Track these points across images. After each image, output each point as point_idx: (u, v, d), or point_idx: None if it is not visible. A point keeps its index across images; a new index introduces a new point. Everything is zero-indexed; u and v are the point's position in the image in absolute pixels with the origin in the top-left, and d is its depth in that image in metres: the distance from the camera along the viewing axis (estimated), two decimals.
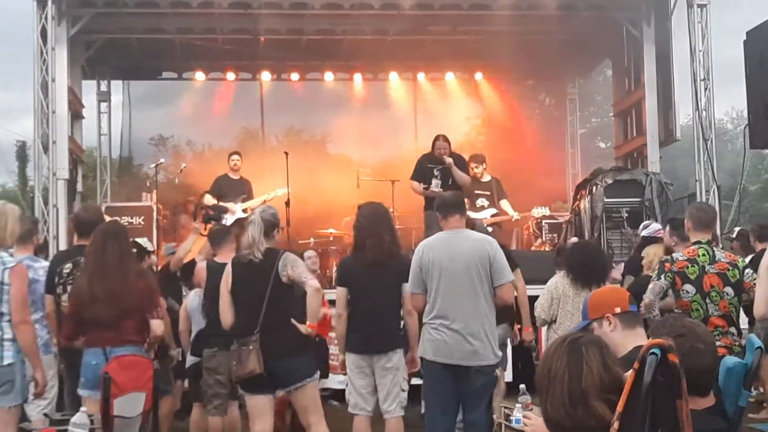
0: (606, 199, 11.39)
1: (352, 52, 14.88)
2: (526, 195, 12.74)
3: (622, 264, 9.17)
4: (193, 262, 7.54)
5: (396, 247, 6.19)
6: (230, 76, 15.81)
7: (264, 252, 5.60)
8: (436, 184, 10.10)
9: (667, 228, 7.60)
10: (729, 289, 5.66)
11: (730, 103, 38.09)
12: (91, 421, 4.68)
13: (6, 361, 4.83)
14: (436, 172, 10.15)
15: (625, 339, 3.52)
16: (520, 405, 5.02)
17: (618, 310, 3.61)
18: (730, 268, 5.72)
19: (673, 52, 12.42)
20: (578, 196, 12.30)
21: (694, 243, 5.85)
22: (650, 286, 5.80)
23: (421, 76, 16.34)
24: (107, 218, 7.65)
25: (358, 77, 16.15)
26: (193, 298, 7.05)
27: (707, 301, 5.64)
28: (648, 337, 3.28)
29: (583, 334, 2.92)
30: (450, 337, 5.62)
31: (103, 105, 16.47)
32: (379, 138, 15.86)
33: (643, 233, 8.37)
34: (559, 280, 6.45)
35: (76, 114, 13.55)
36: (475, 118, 19.42)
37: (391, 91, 16.60)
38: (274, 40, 14.31)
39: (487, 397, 5.75)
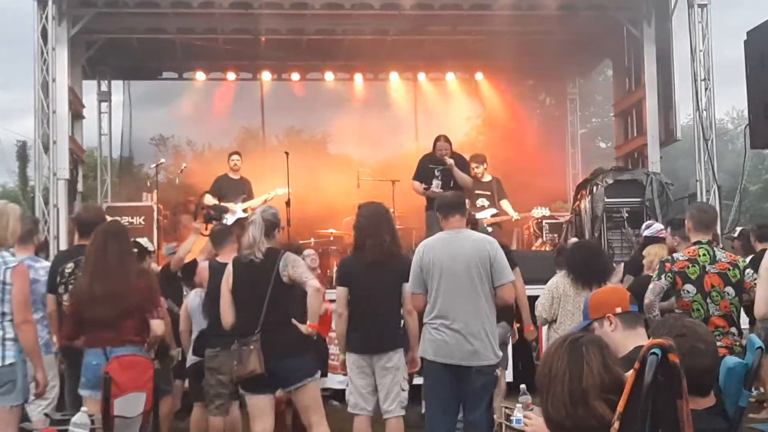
0: (606, 199, 11.38)
1: (352, 52, 14.88)
2: (527, 195, 12.74)
3: (622, 264, 9.17)
4: (194, 262, 7.54)
5: (396, 247, 6.19)
6: (231, 76, 15.82)
7: (265, 252, 5.61)
8: (436, 185, 10.10)
9: (668, 229, 7.60)
10: (730, 289, 5.66)
11: (731, 103, 38.15)
12: (92, 421, 4.68)
13: (8, 361, 4.83)
14: (437, 173, 10.15)
15: (626, 339, 3.52)
16: (520, 405, 5.02)
17: (619, 310, 3.61)
18: (731, 267, 5.72)
19: (674, 52, 12.43)
20: (579, 196, 12.30)
21: (695, 243, 5.85)
22: (650, 286, 5.80)
23: (421, 76, 16.34)
24: (108, 218, 7.64)
25: (358, 77, 16.15)
26: (193, 298, 7.05)
27: (708, 301, 5.64)
28: (648, 337, 3.28)
29: (583, 334, 2.92)
30: (450, 337, 5.62)
31: (104, 105, 16.48)
32: (380, 138, 15.86)
33: (646, 233, 8.37)
34: (559, 279, 6.45)
35: (76, 114, 13.55)
36: (476, 118, 19.42)
37: (392, 91, 16.59)
38: (274, 40, 14.31)
39: (487, 397, 5.75)
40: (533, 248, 12.57)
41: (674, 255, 6.07)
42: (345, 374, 6.42)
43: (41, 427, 5.47)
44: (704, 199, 11.37)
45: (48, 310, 6.05)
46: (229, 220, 10.76)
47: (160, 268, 8.61)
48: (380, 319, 6.05)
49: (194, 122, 16.92)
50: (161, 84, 16.94)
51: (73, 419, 4.63)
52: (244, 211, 11.61)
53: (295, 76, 15.88)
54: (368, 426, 6.14)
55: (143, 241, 7.52)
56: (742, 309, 5.87)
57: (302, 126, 18.72)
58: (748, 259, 6.86)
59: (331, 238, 12.11)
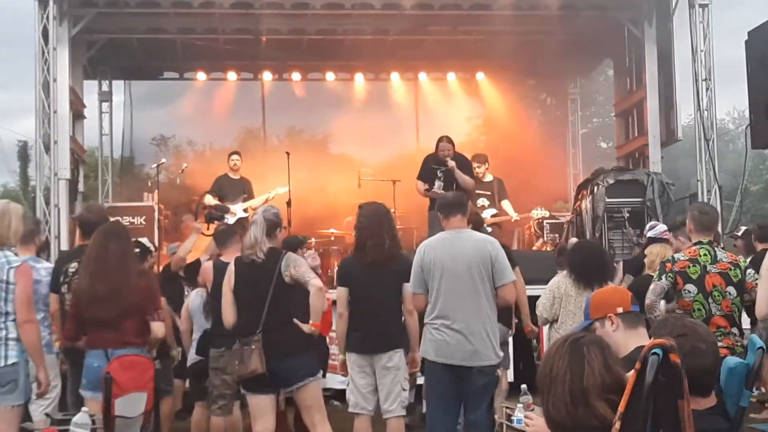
0: (607, 199, 11.38)
1: (353, 52, 14.89)
2: (527, 195, 12.74)
3: (621, 262, 9.17)
4: (197, 262, 7.53)
5: (396, 248, 6.19)
6: (231, 76, 15.82)
7: (266, 252, 5.60)
8: (438, 186, 10.08)
9: (671, 234, 7.63)
10: (731, 289, 5.66)
11: (732, 103, 38.14)
12: (93, 421, 4.68)
13: (10, 361, 4.83)
14: (439, 174, 10.12)
15: (627, 339, 3.52)
16: (521, 405, 5.02)
17: (620, 310, 3.61)
18: (732, 267, 5.72)
19: (675, 52, 12.43)
20: (579, 196, 12.29)
21: (696, 243, 5.85)
22: (651, 286, 5.80)
23: (422, 76, 16.34)
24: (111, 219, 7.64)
25: (359, 77, 16.15)
26: (194, 298, 7.05)
27: (709, 300, 5.63)
28: (650, 338, 3.28)
29: (584, 334, 2.92)
30: (451, 338, 5.62)
31: (105, 105, 16.50)
32: (381, 138, 15.85)
33: (650, 234, 8.37)
34: (561, 279, 6.45)
35: (77, 114, 13.56)
36: (477, 118, 19.40)
37: (393, 91, 16.59)
38: (275, 40, 14.32)
39: (488, 397, 5.75)
40: (534, 248, 12.57)
41: (675, 255, 6.07)
42: (344, 375, 6.42)
43: (42, 426, 5.48)
44: (705, 199, 11.37)
45: (51, 310, 6.05)
46: (229, 220, 10.76)
47: (161, 268, 8.62)
48: (380, 319, 6.05)
49: (195, 122, 16.93)
50: (162, 84, 16.95)
51: (74, 419, 4.63)
52: (245, 210, 11.62)
53: (296, 76, 15.89)
54: (369, 426, 6.14)
55: (144, 240, 7.52)
56: (743, 309, 5.87)
57: (303, 126, 18.71)
58: (748, 260, 6.86)
59: (332, 238, 12.10)
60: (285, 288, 5.55)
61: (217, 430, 6.63)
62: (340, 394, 8.33)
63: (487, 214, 10.75)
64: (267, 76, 15.89)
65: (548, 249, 11.97)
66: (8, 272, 4.85)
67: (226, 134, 17.24)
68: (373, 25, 13.98)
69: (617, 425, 2.55)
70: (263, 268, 5.57)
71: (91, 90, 15.71)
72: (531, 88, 19.44)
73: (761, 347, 3.50)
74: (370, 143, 15.70)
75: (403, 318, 6.12)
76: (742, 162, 12.31)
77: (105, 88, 16.42)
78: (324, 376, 7.71)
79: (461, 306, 5.66)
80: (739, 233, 10.01)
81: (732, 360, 3.44)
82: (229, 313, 5.68)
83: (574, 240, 10.36)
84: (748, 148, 11.05)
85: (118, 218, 10.46)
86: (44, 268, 6.24)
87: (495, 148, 14.25)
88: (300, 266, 5.63)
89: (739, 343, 5.55)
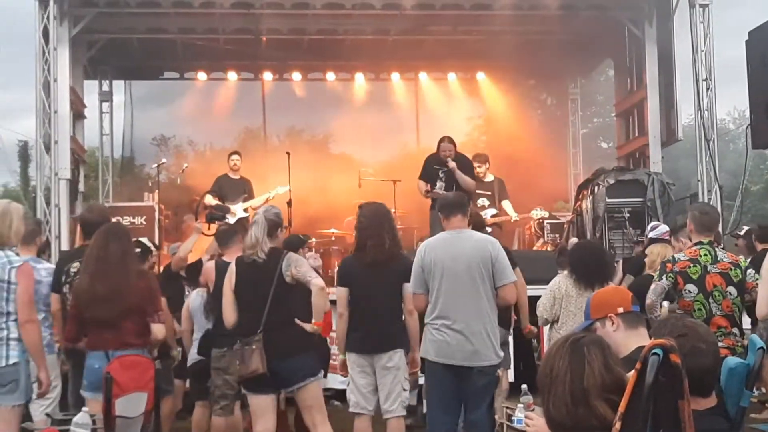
0: (608, 199, 11.38)
1: (353, 52, 14.89)
2: (528, 195, 12.74)
3: (620, 261, 9.17)
4: (199, 262, 7.53)
5: (397, 248, 6.18)
6: (232, 76, 15.83)
7: (267, 252, 5.60)
8: (440, 187, 10.06)
9: (672, 238, 7.64)
10: (732, 289, 5.66)
11: (732, 103, 38.15)
12: (93, 421, 4.68)
13: (11, 361, 4.83)
14: (441, 174, 10.10)
15: (628, 339, 3.52)
16: (522, 405, 5.02)
17: (621, 310, 3.61)
18: (733, 267, 5.71)
19: (675, 52, 12.44)
20: (580, 196, 12.29)
21: (696, 243, 5.85)
22: (652, 286, 5.80)
23: (422, 76, 16.35)
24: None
25: (359, 77, 16.16)
26: (195, 298, 7.05)
27: (710, 300, 5.63)
28: (650, 338, 3.28)
29: (585, 334, 2.92)
30: (452, 338, 5.62)
31: (105, 105, 16.52)
32: (381, 138, 15.87)
33: (651, 234, 8.37)
34: (562, 279, 6.45)
35: (78, 114, 13.57)
36: (477, 118, 19.43)
37: (393, 91, 16.60)
38: (275, 40, 14.32)
39: (488, 397, 5.75)
40: (534, 248, 12.57)
41: (675, 255, 6.07)
42: (344, 375, 6.42)
43: (43, 426, 5.49)
44: (706, 199, 11.37)
45: (52, 310, 6.05)
46: (230, 220, 10.76)
47: (162, 268, 8.62)
48: (380, 319, 6.05)
49: (195, 122, 16.94)
50: (162, 84, 16.96)
51: (75, 419, 4.63)
52: (245, 210, 11.62)
53: (297, 76, 15.90)
54: (369, 426, 6.13)
55: (145, 240, 7.52)
56: (744, 310, 5.86)
57: (303, 126, 18.72)
58: (748, 260, 6.86)
59: (333, 238, 12.11)
60: (286, 288, 5.55)
61: (218, 430, 6.63)
62: (340, 394, 8.33)
63: (487, 214, 10.74)
64: (267, 76, 15.90)
65: (549, 249, 11.97)
66: (10, 272, 4.85)
67: (227, 134, 17.26)
68: (374, 25, 13.99)
69: (618, 425, 2.55)
70: (264, 268, 5.56)
71: (91, 90, 15.74)
72: (531, 88, 19.46)
73: (761, 347, 3.50)
74: (370, 143, 15.71)
75: (403, 318, 6.12)
76: (743, 162, 12.30)
77: (105, 88, 16.43)
78: (325, 376, 7.71)
79: (462, 306, 5.66)
80: (741, 233, 10.01)
81: (732, 360, 3.44)
82: (229, 313, 5.68)
83: (574, 240, 10.37)
84: (748, 148, 11.04)
85: (119, 218, 10.47)
86: (45, 269, 6.24)
87: (495, 148, 14.25)
88: (301, 266, 5.63)
89: (739, 344, 5.55)
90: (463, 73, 16.55)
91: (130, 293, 5.21)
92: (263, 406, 5.63)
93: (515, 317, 7.55)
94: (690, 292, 5.66)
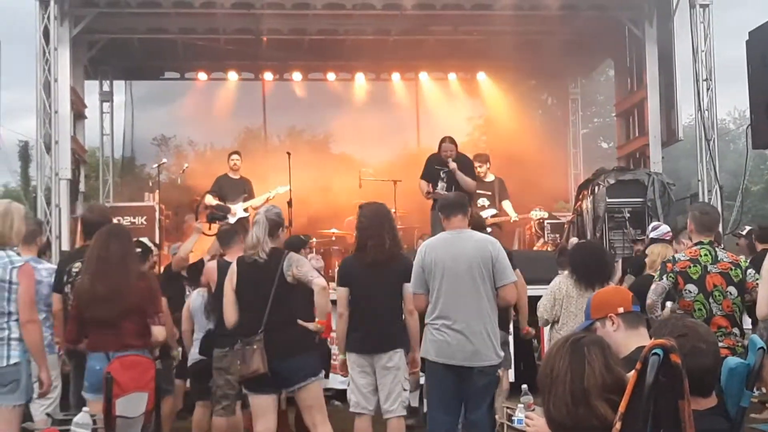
0: (608, 200, 11.39)
1: (354, 52, 14.90)
2: (528, 195, 12.74)
3: (619, 261, 9.17)
4: (200, 262, 7.53)
5: (397, 248, 6.18)
6: (232, 76, 15.85)
7: (269, 252, 5.60)
8: (442, 187, 10.03)
9: (674, 242, 7.65)
10: (732, 289, 5.66)
11: (732, 103, 38.15)
12: (94, 421, 4.68)
13: (12, 360, 4.83)
14: (442, 175, 10.07)
15: (628, 339, 3.52)
16: (522, 405, 5.02)
17: (621, 310, 3.61)
18: (733, 267, 5.71)
19: (676, 52, 12.44)
20: (580, 196, 12.30)
21: (696, 243, 5.85)
22: (653, 286, 5.80)
23: (423, 76, 16.35)
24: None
25: (360, 77, 16.17)
26: (195, 298, 7.05)
27: (710, 300, 5.63)
28: (651, 338, 3.28)
29: (585, 334, 2.92)
30: (452, 338, 5.62)
31: (106, 105, 16.54)
32: (382, 138, 15.87)
33: (652, 234, 8.37)
34: (562, 280, 6.44)
35: (78, 114, 13.57)
36: (478, 118, 19.44)
37: (393, 92, 16.62)
38: (276, 40, 14.33)
39: (489, 397, 5.75)
40: (535, 248, 12.57)
41: (676, 255, 6.07)
42: (344, 375, 6.42)
43: (43, 426, 5.48)
44: (706, 200, 11.37)
45: (54, 310, 6.04)
46: (230, 220, 10.76)
47: (163, 268, 8.62)
48: (380, 319, 6.05)
49: (196, 122, 16.95)
50: (163, 84, 16.97)
51: (75, 419, 4.63)
52: (245, 210, 11.61)
53: (297, 76, 15.91)
54: (370, 425, 6.13)
55: (145, 240, 7.52)
56: (744, 309, 5.86)
57: (304, 126, 18.73)
58: (748, 260, 6.86)
59: (333, 238, 12.11)
60: (287, 288, 5.55)
61: (219, 430, 6.63)
62: (341, 394, 8.33)
63: (486, 214, 10.73)
64: (268, 76, 15.91)
65: (549, 249, 11.97)
66: (11, 272, 4.86)
67: (227, 134, 17.27)
68: (374, 25, 13.99)
69: (618, 425, 2.55)
70: (265, 268, 5.56)
71: (92, 90, 15.75)
72: (532, 88, 19.46)
73: (762, 347, 3.50)
74: (370, 143, 15.72)
75: (403, 318, 6.12)
76: (743, 162, 12.31)
77: (106, 88, 16.45)
78: (327, 376, 7.72)
79: (462, 306, 5.66)
80: (744, 232, 10.01)
81: (733, 360, 3.43)
82: (230, 313, 5.68)
83: (574, 240, 10.37)
84: (748, 148, 11.05)
85: (119, 218, 10.47)
86: (45, 269, 6.24)
87: (496, 148, 14.26)
88: (302, 266, 5.63)
89: (740, 343, 5.55)
90: (464, 73, 16.55)
91: (131, 293, 5.21)
92: (264, 406, 5.63)
93: (515, 317, 7.55)
94: (690, 292, 5.66)
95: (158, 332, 5.37)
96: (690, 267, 5.69)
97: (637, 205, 11.38)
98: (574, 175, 16.49)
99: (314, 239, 11.76)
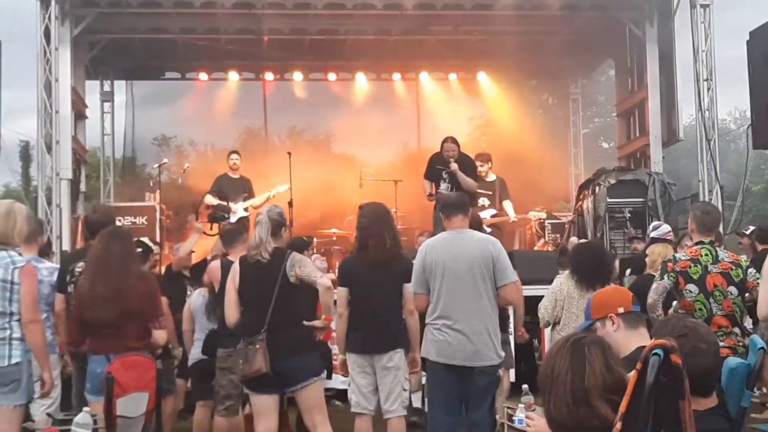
0: (609, 200, 11.39)
1: (354, 52, 14.90)
2: (529, 195, 12.74)
3: (617, 260, 9.17)
4: (204, 262, 7.53)
5: (397, 248, 6.19)
6: (233, 76, 15.85)
7: (271, 252, 5.60)
8: (445, 188, 10.02)
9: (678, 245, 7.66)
10: (733, 289, 5.66)
11: (733, 103, 38.12)
12: (95, 421, 4.69)
13: (14, 360, 4.83)
14: (444, 175, 10.06)
15: (628, 339, 3.52)
16: (522, 405, 5.02)
17: (621, 310, 3.61)
18: (734, 267, 5.71)
19: (676, 52, 12.44)
20: (581, 196, 12.30)
21: (697, 243, 5.85)
22: (653, 286, 5.80)
23: (423, 76, 16.34)
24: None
25: (360, 77, 16.17)
26: (196, 298, 7.05)
27: (711, 300, 5.63)
28: (651, 338, 3.28)
29: (585, 334, 2.93)
30: (453, 338, 5.62)
31: (107, 105, 16.54)
32: (382, 138, 15.86)
33: (653, 234, 8.37)
34: (563, 281, 6.44)
35: (79, 114, 13.58)
36: (478, 118, 19.44)
37: (394, 92, 16.61)
38: (277, 40, 14.33)
39: (489, 397, 5.76)
40: (535, 248, 12.57)
41: (676, 255, 6.07)
42: (345, 375, 6.42)
43: (44, 426, 5.48)
44: (706, 200, 11.37)
45: (56, 310, 6.04)
46: (231, 219, 10.76)
47: (164, 268, 8.62)
48: (381, 320, 6.05)
49: (197, 122, 16.96)
50: (164, 84, 16.97)
51: (76, 419, 4.63)
52: (245, 210, 11.61)
53: (298, 76, 15.91)
54: (370, 425, 6.14)
55: (146, 240, 7.53)
56: (745, 309, 5.86)
57: (305, 126, 18.73)
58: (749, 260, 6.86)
59: (334, 238, 12.11)
60: (290, 288, 5.54)
61: (220, 430, 6.62)
62: (342, 394, 8.33)
63: (486, 215, 10.73)
64: (269, 76, 15.91)
65: (550, 249, 11.97)
66: (13, 272, 4.86)
67: (228, 134, 17.26)
68: (375, 25, 13.99)
69: (618, 425, 2.56)
70: (268, 268, 5.56)
71: (92, 90, 15.75)
72: (532, 88, 19.46)
73: (762, 348, 3.50)
74: (371, 143, 15.72)
75: (403, 318, 6.12)
76: (744, 162, 12.33)
77: (107, 88, 16.45)
78: (329, 377, 7.72)
79: (463, 306, 5.67)
80: (747, 232, 10.01)
81: (733, 360, 3.44)
82: (231, 312, 5.68)
83: (575, 240, 10.36)
84: (749, 148, 11.06)
85: (120, 218, 10.47)
86: (46, 268, 6.23)
87: (496, 148, 14.21)
88: (305, 266, 5.63)
89: (741, 343, 5.54)
90: (464, 73, 16.55)
91: (131, 294, 5.21)
92: (265, 406, 5.63)
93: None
94: (691, 291, 5.66)
95: (159, 336, 5.38)
96: (691, 267, 5.69)
97: (637, 205, 11.38)
98: (574, 175, 16.48)
99: (315, 239, 11.77)
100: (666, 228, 8.48)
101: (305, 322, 5.55)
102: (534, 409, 4.45)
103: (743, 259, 6.00)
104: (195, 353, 6.96)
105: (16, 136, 26.23)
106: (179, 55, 15.10)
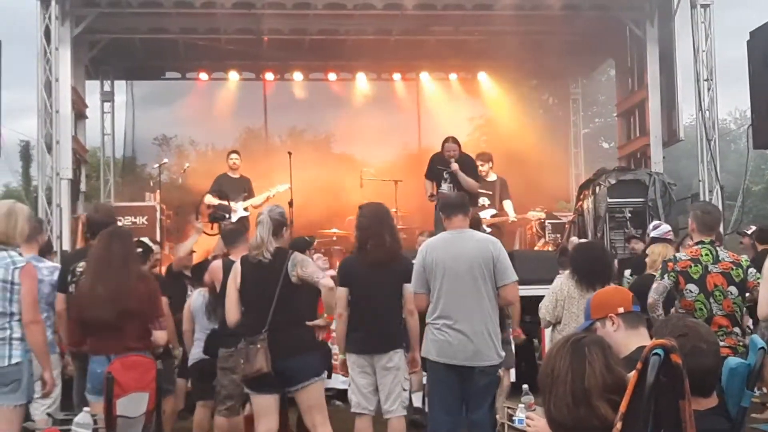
0: (609, 200, 11.38)
1: (355, 52, 14.90)
2: (529, 195, 12.74)
3: (616, 260, 9.17)
4: (205, 262, 7.52)
5: (397, 248, 6.19)
6: (233, 76, 15.85)
7: (273, 252, 5.60)
8: (446, 188, 10.01)
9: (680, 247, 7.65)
10: (733, 289, 5.65)
11: (734, 103, 38.16)
12: (95, 421, 4.69)
13: (14, 360, 4.83)
14: (445, 176, 10.04)
15: (628, 339, 3.52)
16: (523, 405, 5.02)
17: (621, 310, 3.61)
18: (734, 267, 5.71)
19: (677, 52, 12.44)
20: (581, 197, 12.29)
21: (697, 243, 5.85)
22: (654, 285, 5.80)
23: (424, 76, 16.35)
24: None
25: (361, 77, 16.17)
26: (196, 298, 7.04)
27: (711, 300, 5.63)
28: (651, 338, 3.28)
29: (585, 334, 2.92)
30: (453, 338, 5.62)
31: (107, 105, 16.54)
32: (383, 138, 15.87)
33: (653, 234, 8.37)
34: (564, 281, 6.44)
35: (79, 114, 13.58)
36: (479, 118, 19.45)
37: (395, 92, 16.62)
38: (277, 40, 14.33)
39: (490, 397, 5.76)
40: (536, 248, 12.57)
41: (677, 254, 6.07)
42: (345, 375, 6.42)
43: (44, 426, 5.48)
44: (707, 200, 11.36)
45: (57, 309, 6.04)
46: (232, 218, 10.76)
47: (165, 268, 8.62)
48: (380, 320, 6.05)
49: (197, 122, 16.97)
50: (164, 84, 16.98)
51: (76, 419, 4.63)
52: (245, 209, 11.60)
53: (298, 76, 15.91)
54: (370, 425, 6.14)
55: (146, 240, 7.52)
56: (746, 309, 5.86)
57: (305, 126, 18.74)
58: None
59: (334, 238, 12.11)
60: (292, 288, 5.54)
61: (221, 429, 6.62)
62: (342, 394, 8.33)
63: (486, 215, 10.72)
64: (269, 76, 15.92)
65: (550, 249, 11.97)
66: (13, 273, 4.86)
67: (228, 134, 17.28)
68: (375, 26, 13.99)
69: (619, 426, 2.55)
70: (270, 268, 5.55)
71: (93, 90, 15.75)
72: (533, 88, 19.48)
73: (762, 347, 3.50)
74: (372, 143, 15.72)
75: (403, 318, 6.12)
76: (744, 162, 12.33)
77: (107, 88, 16.46)
78: (329, 377, 7.72)
79: (463, 306, 5.67)
80: (749, 231, 10.01)
81: (733, 360, 3.44)
82: (232, 312, 5.68)
83: (575, 240, 10.36)
84: (749, 148, 11.06)
85: (120, 218, 10.46)
86: (46, 268, 6.23)
87: (497, 148, 14.20)
88: (307, 266, 5.63)
89: (741, 343, 5.54)
90: (465, 73, 16.55)
91: (131, 295, 5.21)
92: (266, 406, 5.62)
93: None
94: (691, 291, 5.66)
95: (160, 337, 5.38)
96: (691, 266, 5.69)
97: (638, 205, 11.37)
98: (575, 175, 16.49)
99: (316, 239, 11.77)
100: (666, 227, 8.48)
101: (308, 323, 5.55)
102: (534, 409, 4.45)
103: (744, 258, 6.00)
104: (195, 353, 6.96)
105: (16, 136, 26.24)
106: (179, 55, 15.10)
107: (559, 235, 12.44)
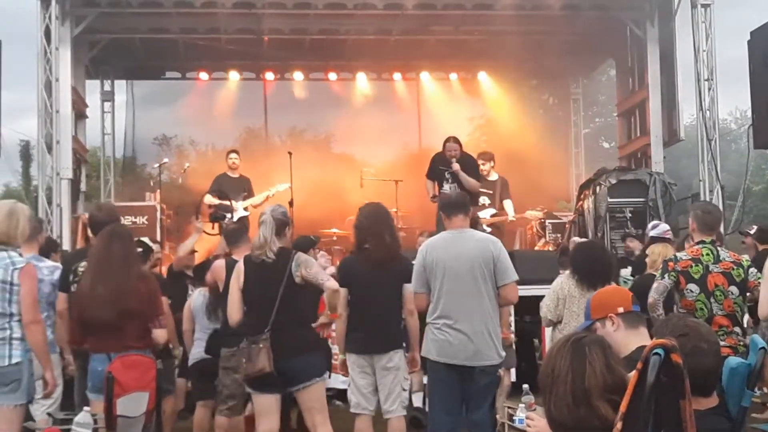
0: (610, 199, 11.39)
1: (355, 52, 14.90)
2: (530, 195, 12.74)
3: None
4: (207, 262, 7.52)
5: (397, 248, 6.18)
6: (234, 75, 15.85)
7: (276, 252, 5.59)
8: (448, 188, 10.00)
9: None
10: (734, 288, 5.65)
11: (734, 102, 38.17)
12: (95, 421, 4.69)
13: (14, 360, 4.83)
14: (447, 176, 10.03)
15: (628, 339, 3.51)
16: (523, 405, 5.02)
17: (621, 309, 3.60)
18: (735, 267, 5.71)
19: (677, 52, 12.45)
20: (582, 196, 12.29)
21: (698, 243, 5.85)
22: (654, 285, 5.80)
23: (424, 75, 16.35)
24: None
25: (361, 77, 16.18)
26: (197, 298, 7.04)
27: (711, 300, 5.62)
28: (652, 337, 3.28)
29: (586, 334, 2.92)
30: (454, 338, 5.62)
31: (107, 105, 16.55)
32: (383, 138, 15.87)
33: (652, 233, 8.37)
34: (565, 280, 6.43)
35: (79, 114, 13.59)
36: (479, 118, 19.44)
37: (395, 91, 16.62)
38: (277, 40, 14.34)
39: (490, 397, 5.76)
40: (536, 248, 12.56)
41: (677, 254, 6.06)
42: (345, 375, 6.42)
43: (44, 426, 5.48)
44: (707, 200, 11.36)
45: (59, 309, 6.03)
46: (233, 218, 10.75)
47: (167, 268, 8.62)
48: (380, 320, 6.05)
49: (197, 122, 16.97)
50: (164, 84, 16.98)
51: (76, 419, 4.63)
52: (245, 209, 11.60)
53: (298, 75, 15.91)
54: (370, 425, 6.14)
55: (146, 239, 7.52)
56: (746, 309, 5.85)
57: (305, 126, 18.74)
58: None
59: (335, 238, 12.11)
60: (295, 288, 5.53)
61: (221, 429, 6.61)
62: (342, 394, 8.33)
63: (486, 214, 10.72)
64: (269, 75, 15.92)
65: (550, 249, 11.97)
66: (12, 273, 4.86)
67: (228, 134, 17.28)
68: (376, 25, 14.00)
69: (619, 425, 2.55)
70: (273, 268, 5.54)
71: (93, 90, 15.76)
72: (533, 88, 19.47)
73: (763, 347, 3.50)
74: (372, 143, 15.73)
75: (403, 317, 6.12)
76: (745, 162, 12.33)
77: (107, 87, 16.47)
78: (329, 377, 7.71)
79: (463, 306, 5.66)
80: (751, 231, 10.00)
81: (734, 360, 3.43)
82: (234, 311, 5.67)
83: (576, 240, 10.36)
84: (750, 148, 11.06)
85: (120, 218, 10.45)
86: (47, 267, 6.22)
87: (497, 148, 14.19)
88: (311, 267, 5.62)
89: (741, 343, 5.53)
90: (465, 73, 16.55)
91: (131, 294, 5.21)
92: (267, 406, 5.62)
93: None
94: (691, 291, 5.65)
95: (159, 335, 5.37)
96: (691, 266, 5.69)
97: (638, 205, 11.38)
98: (575, 174, 16.49)
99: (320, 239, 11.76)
100: (664, 227, 8.47)
101: (313, 324, 5.54)
102: (534, 409, 4.44)
103: (744, 258, 5.99)
104: (195, 353, 6.95)
105: (16, 135, 26.26)
106: (180, 54, 15.11)
107: (559, 235, 12.45)
